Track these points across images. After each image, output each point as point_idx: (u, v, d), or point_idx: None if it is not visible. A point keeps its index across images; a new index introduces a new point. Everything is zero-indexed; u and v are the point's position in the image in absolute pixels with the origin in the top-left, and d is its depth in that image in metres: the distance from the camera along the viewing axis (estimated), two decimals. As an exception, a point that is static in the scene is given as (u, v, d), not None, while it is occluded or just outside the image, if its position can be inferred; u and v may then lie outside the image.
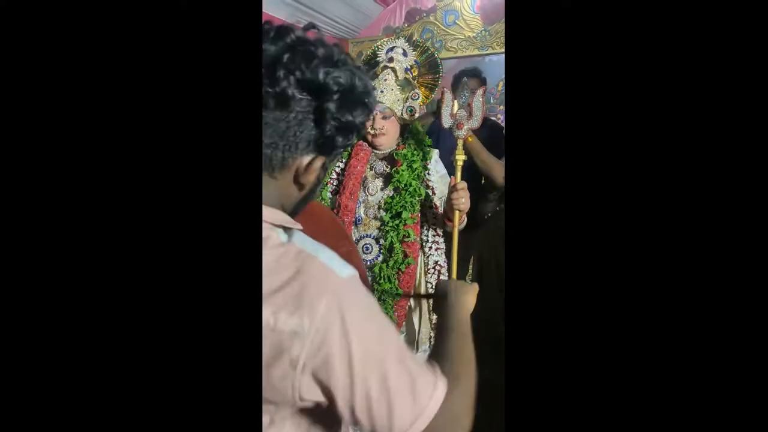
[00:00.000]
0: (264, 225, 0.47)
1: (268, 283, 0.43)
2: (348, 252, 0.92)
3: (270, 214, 0.48)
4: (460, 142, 1.11)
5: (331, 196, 1.25)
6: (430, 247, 1.23)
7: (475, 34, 3.49)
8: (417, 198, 1.15)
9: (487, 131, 1.81)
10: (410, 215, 1.14)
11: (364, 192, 1.22)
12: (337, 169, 1.25)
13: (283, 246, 0.47)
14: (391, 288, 1.14)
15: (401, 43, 1.18)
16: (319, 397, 0.44)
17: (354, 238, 1.22)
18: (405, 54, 1.17)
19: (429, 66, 1.21)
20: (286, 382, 0.43)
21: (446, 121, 1.13)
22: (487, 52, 3.51)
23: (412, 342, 1.25)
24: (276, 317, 0.42)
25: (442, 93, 1.14)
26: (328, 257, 0.47)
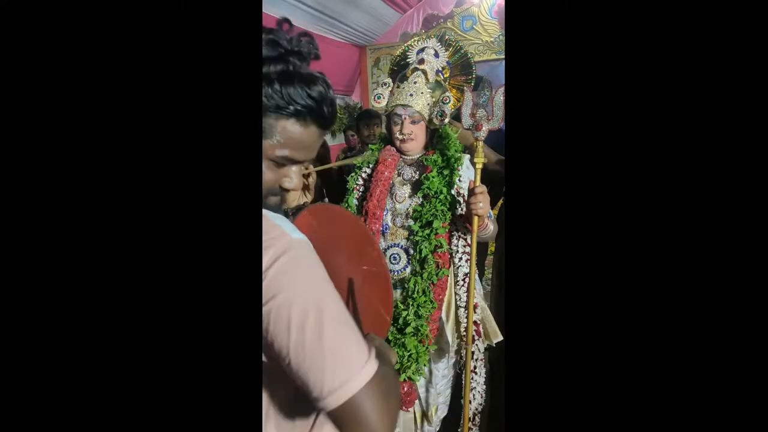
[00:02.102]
0: None
1: None
2: (375, 258, 0.87)
3: None
4: (479, 144, 1.05)
5: (357, 203, 1.20)
6: (460, 258, 1.17)
7: (492, 39, 3.46)
8: (448, 206, 1.09)
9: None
10: (441, 224, 1.08)
11: (392, 199, 1.16)
12: (364, 175, 1.20)
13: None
14: (425, 301, 1.08)
15: (433, 43, 1.13)
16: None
17: (381, 248, 1.17)
18: (437, 55, 1.12)
19: (462, 67, 1.16)
20: None
21: (466, 122, 1.07)
22: (504, 56, 3.47)
23: (443, 352, 1.18)
24: None
25: (462, 92, 1.08)
26: (280, 219, 0.48)
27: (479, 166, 1.04)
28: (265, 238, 0.45)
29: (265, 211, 0.48)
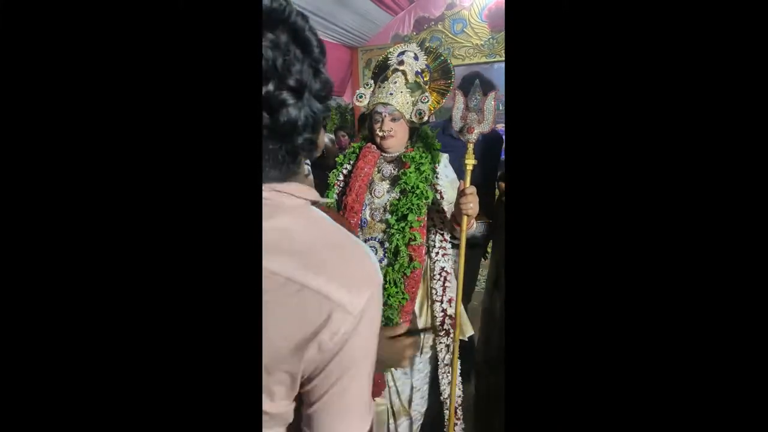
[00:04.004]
0: (309, 203, 0.49)
1: (318, 254, 0.45)
2: None
3: (304, 190, 0.49)
4: (470, 147, 1.10)
5: (337, 198, 1.24)
6: (437, 253, 1.21)
7: (482, 42, 3.52)
8: (424, 200, 1.14)
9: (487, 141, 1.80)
10: (416, 218, 1.12)
11: (371, 194, 1.21)
12: (345, 171, 1.25)
13: (330, 225, 0.49)
14: (396, 292, 1.12)
15: (413, 47, 1.18)
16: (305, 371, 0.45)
17: (360, 241, 1.21)
18: (416, 58, 1.17)
19: (441, 72, 1.21)
20: (315, 353, 0.43)
21: (456, 124, 1.13)
22: (494, 59, 3.54)
23: (416, 345, 1.23)
24: (329, 287, 0.43)
25: (454, 96, 1.13)
26: (370, 252, 0.49)
27: (469, 167, 1.08)
28: (359, 270, 0.46)
29: (358, 241, 0.50)
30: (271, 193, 0.46)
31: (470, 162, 1.09)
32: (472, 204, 1.05)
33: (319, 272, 0.43)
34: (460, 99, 1.12)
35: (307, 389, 0.46)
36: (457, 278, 1.19)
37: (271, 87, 0.42)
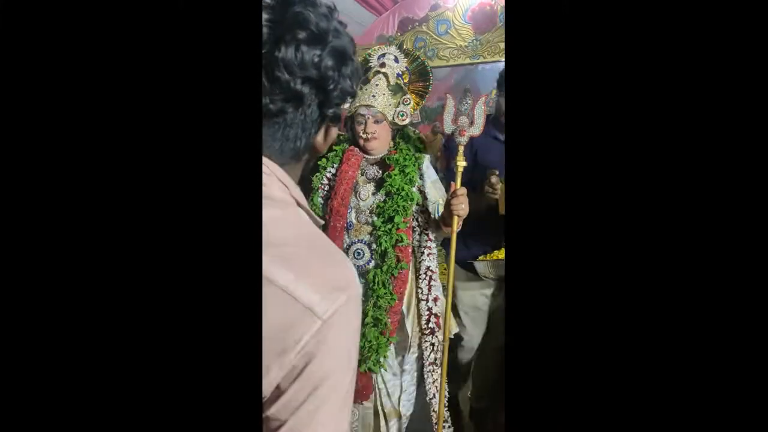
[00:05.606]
0: (296, 203, 0.48)
1: (293, 252, 0.43)
2: None
3: (298, 192, 0.49)
4: (461, 149, 1.13)
5: (322, 202, 1.24)
6: (422, 253, 1.23)
7: (466, 44, 3.54)
8: (409, 202, 1.15)
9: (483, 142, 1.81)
10: (402, 219, 1.14)
11: (356, 197, 1.22)
12: (329, 174, 1.25)
13: (314, 228, 0.48)
14: (385, 293, 1.13)
15: (393, 50, 1.19)
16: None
17: (345, 244, 1.22)
18: (396, 60, 1.18)
19: (420, 74, 1.22)
20: (281, 358, 0.40)
21: (448, 128, 1.16)
22: (478, 60, 3.56)
23: (404, 347, 1.24)
24: (296, 285, 0.40)
25: (446, 99, 1.16)
26: (349, 261, 0.48)
27: (460, 169, 1.12)
28: (335, 275, 0.44)
29: (339, 249, 0.48)
30: (270, 179, 0.45)
31: (461, 163, 1.13)
32: (463, 205, 1.08)
33: (290, 270, 0.41)
34: (450, 102, 1.14)
35: (271, 411, 0.41)
36: (448, 278, 1.21)
37: (330, 63, 0.45)
